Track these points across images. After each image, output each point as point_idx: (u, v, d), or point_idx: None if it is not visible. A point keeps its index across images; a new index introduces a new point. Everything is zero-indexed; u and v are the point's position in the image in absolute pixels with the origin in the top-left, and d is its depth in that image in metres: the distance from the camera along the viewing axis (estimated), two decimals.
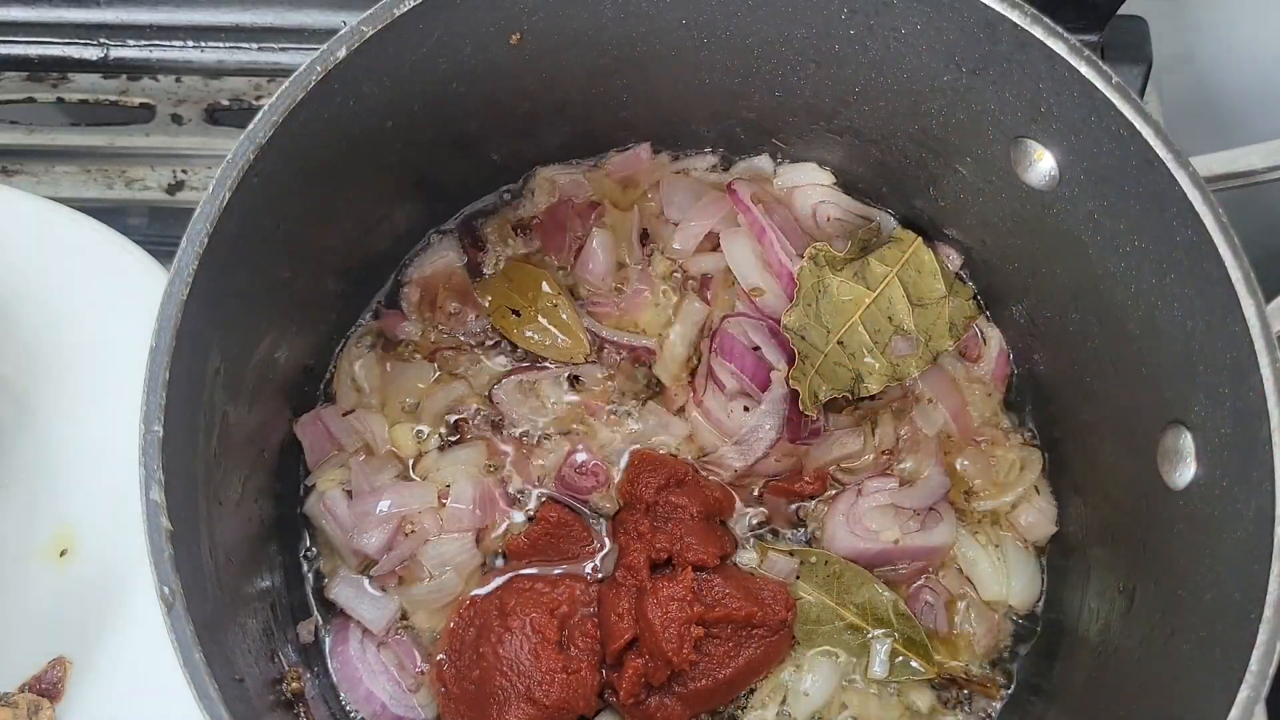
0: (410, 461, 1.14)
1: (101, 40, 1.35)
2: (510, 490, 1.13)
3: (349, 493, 1.10)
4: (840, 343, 1.11)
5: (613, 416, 1.15)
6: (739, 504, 1.15)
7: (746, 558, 1.13)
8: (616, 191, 1.21)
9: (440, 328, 1.18)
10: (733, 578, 1.08)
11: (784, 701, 1.09)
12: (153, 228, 1.32)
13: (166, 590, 0.76)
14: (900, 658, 1.10)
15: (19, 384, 1.17)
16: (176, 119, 1.34)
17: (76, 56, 1.35)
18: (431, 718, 1.09)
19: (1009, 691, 1.12)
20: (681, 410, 1.16)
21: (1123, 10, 1.26)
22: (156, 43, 1.35)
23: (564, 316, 1.16)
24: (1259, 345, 0.79)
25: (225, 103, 1.35)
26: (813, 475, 1.14)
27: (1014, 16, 0.84)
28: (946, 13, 0.89)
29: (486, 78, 0.99)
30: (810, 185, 1.19)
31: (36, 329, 1.17)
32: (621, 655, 1.05)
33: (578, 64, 1.03)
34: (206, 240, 0.80)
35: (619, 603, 1.05)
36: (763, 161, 1.20)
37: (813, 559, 1.11)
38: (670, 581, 1.05)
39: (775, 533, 1.14)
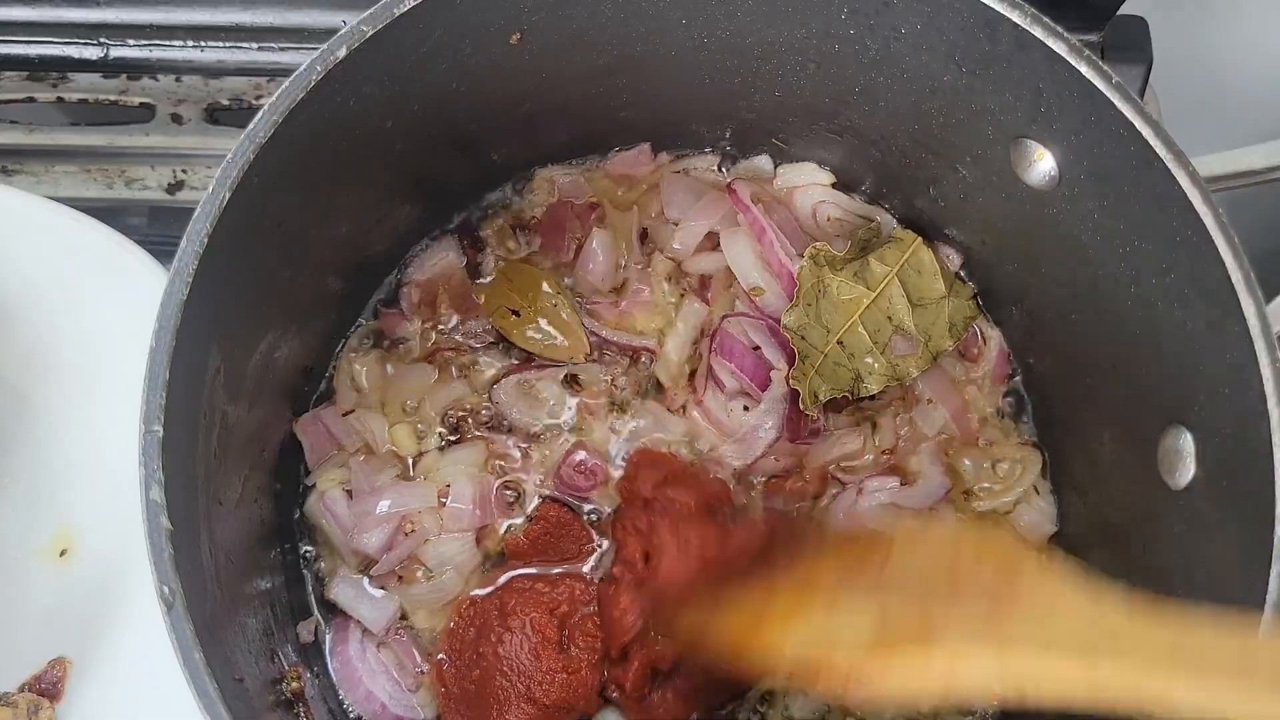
0: (410, 461, 1.14)
1: (101, 40, 1.35)
2: (510, 490, 1.14)
3: (349, 492, 1.10)
4: (840, 342, 1.11)
5: (611, 416, 1.15)
6: (736, 495, 1.15)
7: None
8: (616, 192, 1.21)
9: (440, 328, 1.18)
10: None
11: (784, 698, 1.09)
12: (152, 227, 1.32)
13: (166, 590, 0.76)
14: None
15: (19, 384, 1.17)
16: (176, 119, 1.34)
17: (76, 56, 1.35)
18: (431, 718, 1.09)
19: None
20: (681, 409, 1.16)
21: (1123, 10, 1.26)
22: (156, 42, 1.35)
23: (564, 316, 1.16)
24: (1259, 345, 0.79)
25: (225, 102, 1.35)
26: (812, 474, 1.14)
27: (1014, 16, 0.84)
28: (947, 13, 0.88)
29: (486, 78, 0.99)
30: (810, 185, 1.19)
31: (36, 329, 1.17)
32: (626, 650, 1.05)
33: (578, 64, 1.03)
34: (206, 240, 0.80)
35: (619, 598, 1.05)
36: (763, 161, 1.20)
37: None
38: None
39: None
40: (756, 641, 0.89)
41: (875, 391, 1.11)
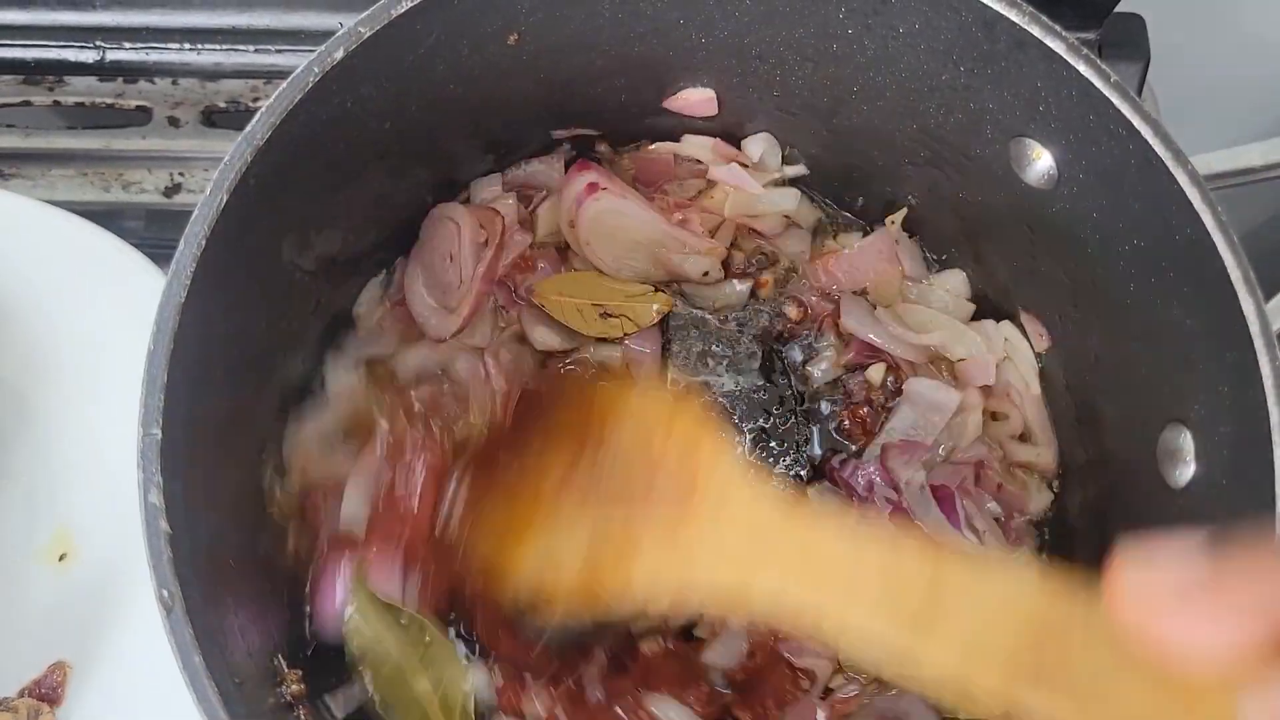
0: None
1: (97, 43, 1.35)
2: None
3: None
4: None
5: None
6: None
7: None
8: None
9: None
10: None
11: None
12: (150, 230, 1.31)
13: (165, 593, 0.76)
14: None
15: (17, 387, 1.17)
16: (173, 121, 1.34)
17: (72, 59, 1.35)
18: None
19: None
20: None
21: (1120, 8, 1.26)
22: (153, 45, 1.35)
23: None
24: (1258, 343, 0.79)
25: (222, 105, 1.34)
26: None
27: (1012, 15, 0.84)
28: (945, 11, 0.88)
29: (484, 78, 0.99)
30: None
31: (34, 332, 1.17)
32: None
33: (575, 64, 1.03)
34: (204, 242, 0.80)
35: None
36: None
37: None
38: None
39: None
40: (498, 568, 0.91)
41: None
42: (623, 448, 0.89)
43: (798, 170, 1.19)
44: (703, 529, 0.81)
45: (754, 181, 1.16)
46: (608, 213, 1.14)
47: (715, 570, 0.79)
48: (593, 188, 1.13)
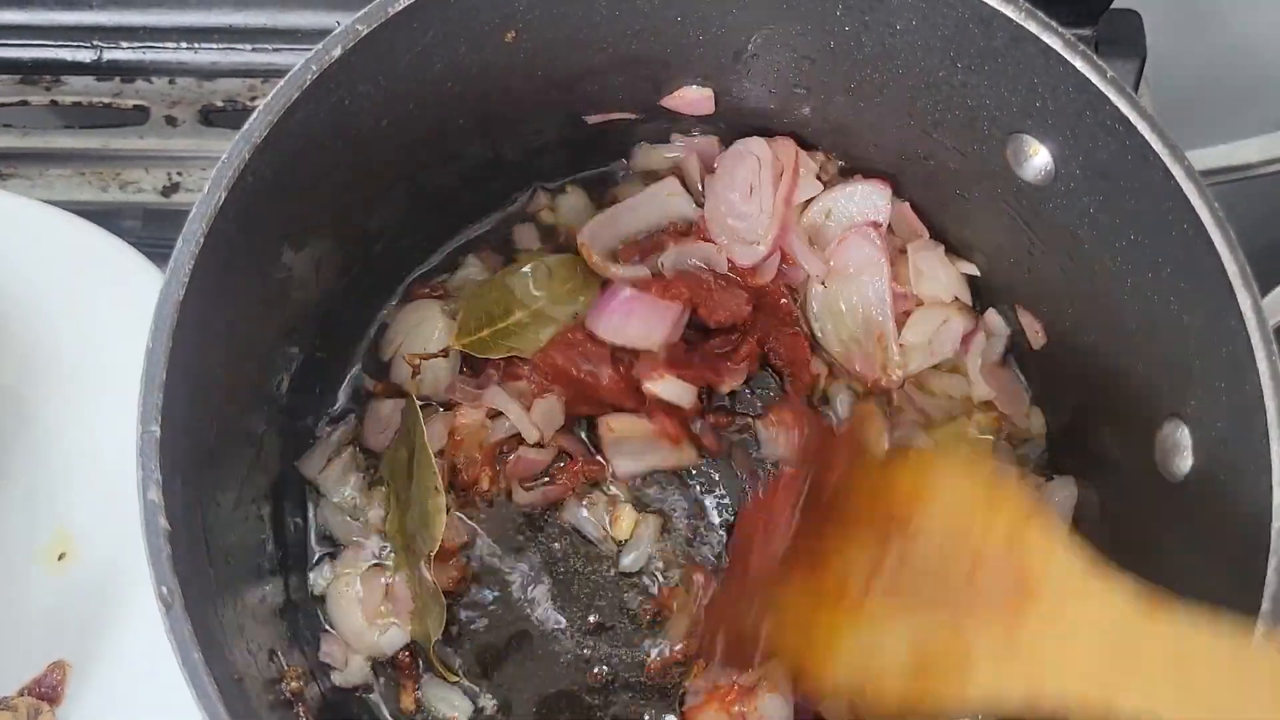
0: None
1: (95, 42, 1.35)
2: None
3: None
4: None
5: None
6: None
7: None
8: None
9: None
10: None
11: None
12: (148, 230, 1.31)
13: (165, 590, 0.76)
14: None
15: (16, 387, 1.17)
16: (171, 121, 1.34)
17: (69, 59, 1.35)
18: None
19: None
20: None
21: (1116, 4, 1.26)
22: (150, 44, 1.35)
23: None
24: (1255, 339, 0.79)
25: (220, 104, 1.35)
26: None
27: (1009, 11, 0.84)
28: (942, 8, 0.88)
29: (481, 76, 0.99)
30: None
31: (33, 332, 1.17)
32: None
33: (573, 62, 1.03)
34: (202, 240, 0.80)
35: None
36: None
37: None
38: None
39: None
40: (811, 669, 0.85)
41: None
42: (935, 538, 0.80)
43: (971, 269, 1.16)
44: (1045, 635, 0.71)
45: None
46: (870, 264, 1.12)
47: (1066, 683, 0.69)
48: (875, 226, 1.12)
